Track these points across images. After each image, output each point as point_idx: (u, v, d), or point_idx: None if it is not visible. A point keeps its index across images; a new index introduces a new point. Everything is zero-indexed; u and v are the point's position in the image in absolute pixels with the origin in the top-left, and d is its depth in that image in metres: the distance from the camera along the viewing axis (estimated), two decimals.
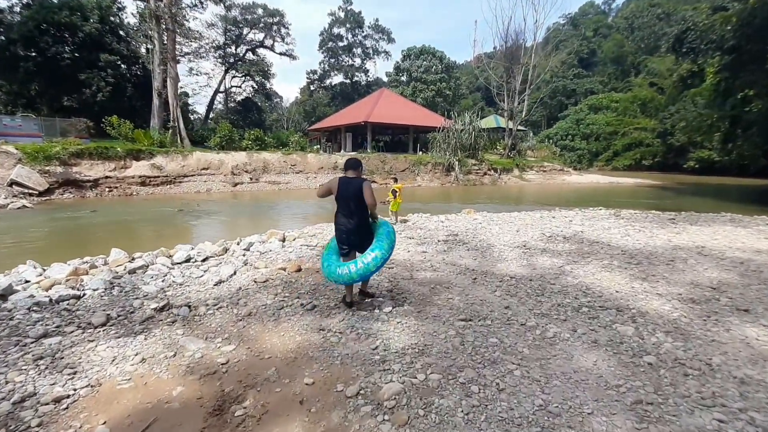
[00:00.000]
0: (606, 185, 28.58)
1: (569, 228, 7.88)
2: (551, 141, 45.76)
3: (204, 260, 5.18)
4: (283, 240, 6.37)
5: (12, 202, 12.61)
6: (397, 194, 8.14)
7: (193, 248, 5.64)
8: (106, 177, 16.70)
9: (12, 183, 14.02)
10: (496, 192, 22.64)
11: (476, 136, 28.25)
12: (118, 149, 17.58)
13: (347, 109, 37.17)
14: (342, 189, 3.48)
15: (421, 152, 30.69)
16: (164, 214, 12.31)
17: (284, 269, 4.81)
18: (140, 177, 17.46)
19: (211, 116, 45.24)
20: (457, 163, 26.46)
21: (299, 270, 4.80)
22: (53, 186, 15.11)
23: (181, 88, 45.28)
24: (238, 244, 6.10)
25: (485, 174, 28.01)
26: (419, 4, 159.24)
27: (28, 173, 14.56)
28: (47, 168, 15.31)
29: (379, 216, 3.78)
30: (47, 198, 14.64)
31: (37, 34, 27.67)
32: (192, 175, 19.25)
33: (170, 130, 24.64)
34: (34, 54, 28.58)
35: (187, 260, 5.11)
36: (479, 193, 21.33)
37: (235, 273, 4.64)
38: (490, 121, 40.53)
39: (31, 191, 14.31)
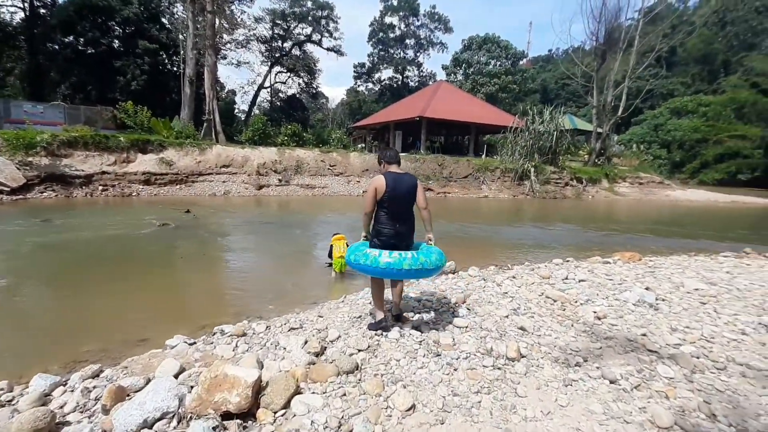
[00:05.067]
0: (728, 205, 22.01)
1: None
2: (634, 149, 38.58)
3: None
4: (254, 403, 1.81)
5: None
6: (332, 249, 5.55)
7: None
8: (103, 173, 13.44)
9: None
10: (585, 209, 17.13)
11: (558, 138, 22.75)
12: (121, 139, 14.36)
13: (398, 103, 32.63)
14: (392, 186, 2.76)
15: (484, 156, 25.68)
16: (141, 230, 8.48)
17: None
18: (144, 174, 14.08)
19: (254, 113, 42.89)
20: (533, 170, 21.15)
21: None
22: (32, 182, 11.99)
23: (228, 86, 43.71)
24: None
25: (566, 185, 22.43)
26: (472, 5, 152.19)
27: (1, 165, 11.52)
28: (29, 159, 12.27)
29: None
30: (21, 196, 11.51)
31: (76, 20, 26.11)
32: (208, 174, 15.70)
33: (204, 124, 21.72)
34: (73, 41, 27.17)
35: None
36: (563, 210, 16.03)
37: None
38: (564, 122, 34.47)
39: (1, 188, 11.25)
